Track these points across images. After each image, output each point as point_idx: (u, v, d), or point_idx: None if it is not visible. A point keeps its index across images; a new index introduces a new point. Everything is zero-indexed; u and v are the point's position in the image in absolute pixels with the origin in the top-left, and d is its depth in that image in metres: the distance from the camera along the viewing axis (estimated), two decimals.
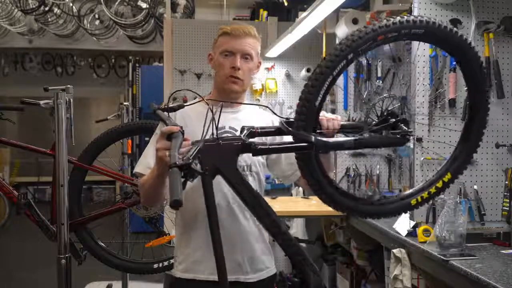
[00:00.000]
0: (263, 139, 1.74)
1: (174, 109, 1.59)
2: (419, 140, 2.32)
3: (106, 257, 2.88)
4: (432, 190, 1.54)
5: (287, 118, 1.46)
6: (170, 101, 1.74)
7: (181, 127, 1.44)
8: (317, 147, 1.37)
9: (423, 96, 2.34)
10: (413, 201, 1.52)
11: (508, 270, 1.82)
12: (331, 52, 1.33)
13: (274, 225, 1.48)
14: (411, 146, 2.42)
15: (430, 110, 2.34)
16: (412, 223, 2.32)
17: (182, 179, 1.23)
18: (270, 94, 4.92)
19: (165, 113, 1.57)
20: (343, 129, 1.54)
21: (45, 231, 2.81)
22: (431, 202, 2.28)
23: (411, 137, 1.51)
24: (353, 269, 3.61)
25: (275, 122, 1.83)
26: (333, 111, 3.94)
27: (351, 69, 3.61)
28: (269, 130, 1.56)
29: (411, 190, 1.58)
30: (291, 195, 4.34)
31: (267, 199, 3.73)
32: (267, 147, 1.48)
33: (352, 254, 3.61)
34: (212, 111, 1.44)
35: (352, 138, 1.43)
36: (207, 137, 1.45)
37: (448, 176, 1.56)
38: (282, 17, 5.19)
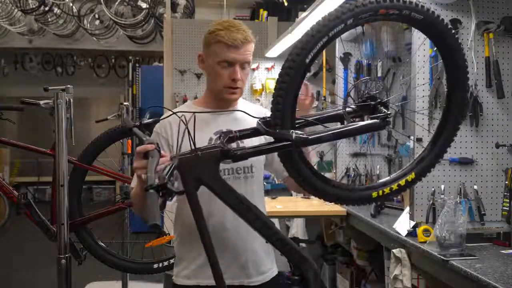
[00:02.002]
0: (264, 139, 1.74)
1: (149, 124, 1.54)
2: (419, 140, 2.31)
3: (106, 257, 2.88)
4: (394, 187, 1.51)
5: (263, 118, 1.45)
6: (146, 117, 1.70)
7: (157, 144, 1.42)
8: (297, 144, 1.35)
9: (423, 96, 2.33)
10: (374, 194, 1.49)
11: (508, 270, 1.82)
12: (331, 12, 1.30)
13: (265, 227, 1.47)
14: (411, 146, 2.42)
15: (430, 110, 2.34)
16: (412, 223, 2.32)
17: (161, 199, 1.21)
18: (270, 94, 4.92)
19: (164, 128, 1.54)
20: (322, 121, 1.51)
21: (45, 231, 2.81)
22: (431, 202, 2.29)
23: (390, 120, 1.46)
24: (353, 269, 3.61)
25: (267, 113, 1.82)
26: None
27: (351, 69, 3.62)
28: (248, 132, 1.51)
29: (375, 183, 1.56)
30: (291, 195, 4.34)
31: (267, 199, 3.73)
32: (245, 151, 1.43)
33: (352, 254, 3.61)
34: (184, 122, 1.42)
35: (330, 130, 1.40)
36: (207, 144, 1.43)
37: (412, 175, 1.53)
38: (282, 17, 5.20)
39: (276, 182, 4.34)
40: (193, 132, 1.43)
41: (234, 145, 1.57)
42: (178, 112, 1.49)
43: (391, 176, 1.56)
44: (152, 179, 1.21)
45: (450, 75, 1.51)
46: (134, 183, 1.70)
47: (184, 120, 1.44)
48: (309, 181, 1.42)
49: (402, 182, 1.52)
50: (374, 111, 1.45)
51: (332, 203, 3.39)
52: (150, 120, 1.53)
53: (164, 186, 1.20)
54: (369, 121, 1.43)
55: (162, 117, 1.74)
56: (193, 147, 1.43)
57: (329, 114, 1.54)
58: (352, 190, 1.52)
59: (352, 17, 1.28)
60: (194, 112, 1.47)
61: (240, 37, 1.68)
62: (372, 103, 1.46)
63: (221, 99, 1.79)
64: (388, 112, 1.43)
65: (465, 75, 1.49)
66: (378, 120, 1.42)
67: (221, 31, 1.68)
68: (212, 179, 1.44)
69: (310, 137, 1.37)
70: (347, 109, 1.49)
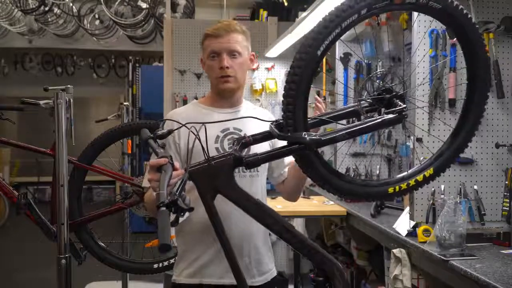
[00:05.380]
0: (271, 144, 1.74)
1: (163, 137, 1.54)
2: (419, 140, 2.32)
3: (106, 257, 2.88)
4: (412, 182, 1.47)
5: (276, 121, 1.43)
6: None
7: (170, 157, 1.43)
8: (311, 147, 1.33)
9: (423, 96, 2.33)
10: (391, 189, 1.45)
11: (508, 270, 1.82)
12: (344, 2, 1.26)
13: (285, 230, 1.45)
14: (411, 146, 2.42)
15: (430, 110, 2.34)
16: (412, 223, 2.32)
17: (174, 215, 1.22)
18: (270, 94, 4.92)
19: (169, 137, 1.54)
20: (337, 118, 1.48)
21: (45, 231, 2.81)
22: (431, 202, 2.29)
23: (407, 117, 1.42)
24: (353, 269, 3.61)
25: (272, 117, 1.82)
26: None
27: (351, 69, 3.62)
28: (261, 136, 1.50)
29: (391, 178, 1.52)
30: None
31: (267, 198, 3.73)
32: (257, 157, 1.43)
33: (352, 254, 3.61)
34: (195, 134, 1.43)
35: (345, 129, 1.37)
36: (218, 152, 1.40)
37: (430, 171, 1.50)
38: (282, 17, 5.19)
39: None
40: (205, 142, 1.43)
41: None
42: (188, 123, 1.49)
43: (408, 171, 1.52)
44: (163, 196, 1.22)
45: (470, 66, 1.48)
46: (145, 183, 1.72)
47: (195, 131, 1.45)
48: (327, 180, 1.40)
49: (419, 177, 1.49)
50: (389, 104, 1.42)
51: (332, 203, 3.42)
52: (164, 131, 1.53)
53: (175, 203, 1.21)
54: (386, 117, 1.39)
55: (175, 128, 1.72)
56: (206, 157, 1.43)
57: (344, 111, 1.50)
58: (368, 185, 1.49)
59: (366, 6, 1.25)
60: (203, 123, 1.48)
61: (223, 27, 1.76)
62: (388, 96, 1.42)
63: (220, 93, 1.82)
64: (404, 105, 1.39)
65: (486, 66, 1.46)
66: (395, 115, 1.38)
67: (210, 28, 1.79)
68: (228, 187, 1.44)
69: (323, 138, 1.33)
70: (362, 103, 1.45)
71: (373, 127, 1.41)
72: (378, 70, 3.37)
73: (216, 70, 1.76)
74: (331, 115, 1.49)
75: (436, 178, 1.54)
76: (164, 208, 1.19)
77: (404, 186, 1.46)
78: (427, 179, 1.50)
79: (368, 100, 1.46)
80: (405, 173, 1.52)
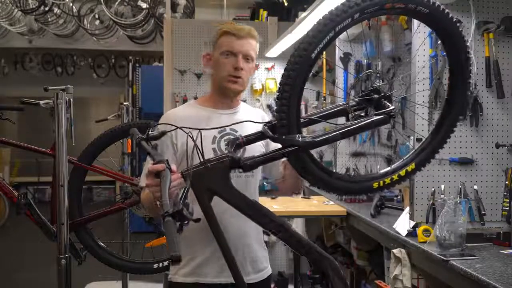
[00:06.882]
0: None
1: (156, 138, 1.54)
2: (419, 140, 2.31)
3: (106, 257, 2.88)
4: (395, 177, 1.52)
5: (269, 122, 1.45)
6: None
7: (167, 161, 1.43)
8: (304, 148, 1.36)
9: (422, 96, 2.33)
10: (375, 184, 1.50)
11: (508, 270, 1.82)
12: (338, 6, 1.30)
13: (281, 229, 1.47)
14: (411, 146, 2.42)
15: (429, 110, 2.34)
16: (412, 223, 2.32)
17: (179, 223, 1.22)
18: (270, 94, 4.93)
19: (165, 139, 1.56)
20: (326, 118, 1.52)
21: (45, 231, 2.81)
22: (431, 202, 2.29)
23: (396, 115, 1.47)
24: (353, 269, 3.61)
25: (266, 116, 1.87)
26: None
27: (351, 69, 3.62)
28: (254, 137, 1.52)
29: (375, 174, 1.57)
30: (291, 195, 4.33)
31: (267, 199, 3.72)
32: (254, 160, 1.45)
33: (352, 254, 3.61)
34: (193, 138, 1.44)
35: (337, 129, 1.41)
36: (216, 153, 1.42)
37: (412, 166, 1.54)
38: (282, 17, 5.20)
39: None
40: (201, 145, 1.44)
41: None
42: (184, 127, 1.50)
43: (391, 166, 1.57)
44: (167, 205, 1.21)
45: (451, 69, 1.52)
46: (142, 182, 1.73)
47: (191, 135, 1.46)
48: (319, 178, 1.44)
49: (402, 172, 1.53)
50: (378, 105, 1.46)
51: (332, 203, 3.42)
52: (157, 133, 1.53)
53: (179, 213, 1.21)
54: (376, 117, 1.43)
55: (169, 130, 1.72)
56: (201, 160, 1.44)
57: (333, 110, 1.54)
58: (356, 181, 1.53)
59: (358, 11, 1.29)
60: (200, 129, 1.49)
61: (246, 30, 1.77)
62: (376, 96, 1.46)
63: (224, 92, 1.82)
64: (393, 107, 1.44)
65: (467, 71, 1.50)
66: (384, 116, 1.43)
67: (228, 24, 1.80)
68: (224, 189, 1.46)
69: (316, 139, 1.37)
70: (350, 103, 1.50)
71: (364, 127, 1.46)
72: (367, 71, 3.38)
73: (229, 69, 1.76)
74: (320, 114, 1.53)
75: (417, 173, 1.59)
76: (169, 218, 1.19)
77: (388, 180, 1.52)
78: (409, 174, 1.55)
79: (355, 100, 1.50)
80: (389, 168, 1.56)
